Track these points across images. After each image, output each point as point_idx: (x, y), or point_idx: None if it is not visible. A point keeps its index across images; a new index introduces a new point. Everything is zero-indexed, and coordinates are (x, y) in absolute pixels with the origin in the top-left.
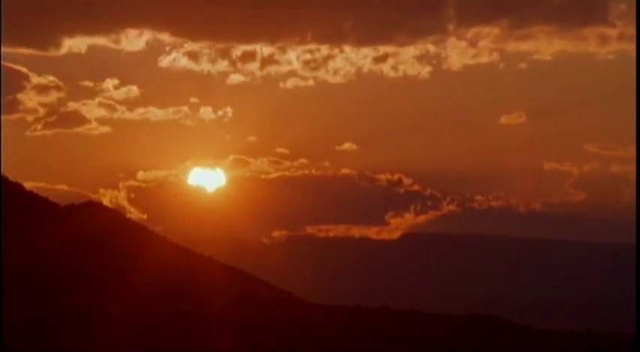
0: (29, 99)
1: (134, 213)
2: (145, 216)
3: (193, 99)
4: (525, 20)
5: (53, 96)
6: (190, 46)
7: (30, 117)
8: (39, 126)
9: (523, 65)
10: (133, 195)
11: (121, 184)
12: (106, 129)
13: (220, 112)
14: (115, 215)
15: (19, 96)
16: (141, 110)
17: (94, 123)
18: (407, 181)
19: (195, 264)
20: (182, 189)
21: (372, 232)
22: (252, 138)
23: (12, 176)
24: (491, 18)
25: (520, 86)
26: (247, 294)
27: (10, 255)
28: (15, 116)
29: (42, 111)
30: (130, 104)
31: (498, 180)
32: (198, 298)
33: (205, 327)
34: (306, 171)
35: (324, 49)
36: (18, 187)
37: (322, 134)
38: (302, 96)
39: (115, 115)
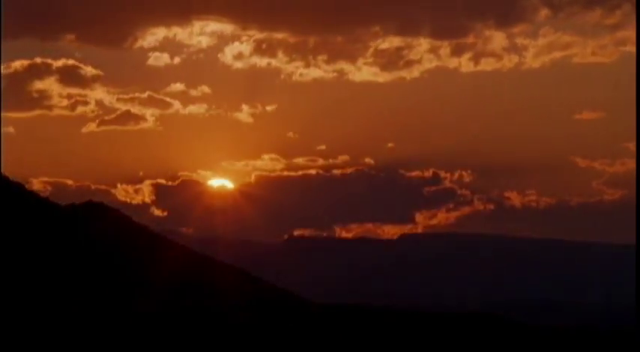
0: (86, 94)
1: (156, 213)
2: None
3: (247, 96)
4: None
5: (105, 92)
6: (241, 45)
7: (91, 114)
8: (96, 123)
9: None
10: (157, 193)
11: (147, 181)
12: (153, 126)
13: (267, 108)
14: (117, 216)
15: (73, 91)
16: (191, 107)
17: (149, 121)
18: (467, 178)
19: (199, 267)
20: (206, 189)
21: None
22: (293, 135)
23: (63, 173)
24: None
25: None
26: (251, 298)
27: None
28: (74, 112)
29: (96, 107)
30: (183, 100)
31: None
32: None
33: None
34: (349, 170)
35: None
36: (18, 187)
37: (374, 131)
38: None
39: (166, 112)
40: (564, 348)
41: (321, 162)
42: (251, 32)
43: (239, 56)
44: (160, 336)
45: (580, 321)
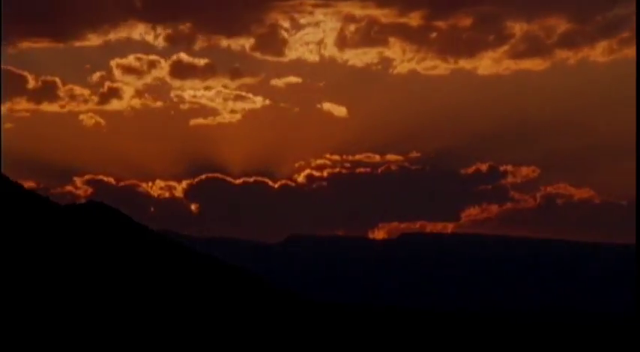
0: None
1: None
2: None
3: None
4: None
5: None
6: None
7: (184, 106)
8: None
9: None
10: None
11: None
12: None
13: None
14: (117, 216)
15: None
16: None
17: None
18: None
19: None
20: (271, 188)
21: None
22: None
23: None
24: None
25: None
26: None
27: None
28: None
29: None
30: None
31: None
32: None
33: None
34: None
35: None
36: (16, 187)
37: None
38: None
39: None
40: (564, 348)
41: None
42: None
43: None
44: (160, 336)
45: (580, 321)
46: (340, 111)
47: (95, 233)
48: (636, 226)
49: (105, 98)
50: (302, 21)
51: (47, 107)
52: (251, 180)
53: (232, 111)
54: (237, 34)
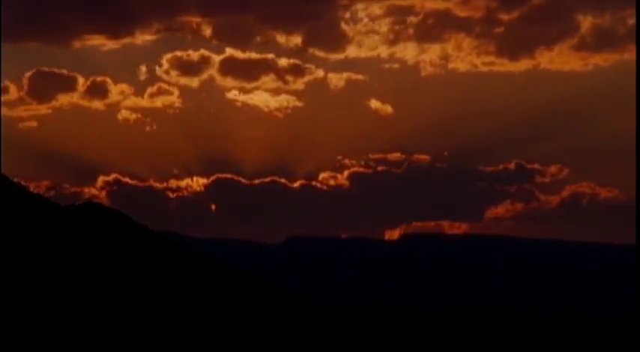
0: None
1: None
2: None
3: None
4: None
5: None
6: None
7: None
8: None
9: None
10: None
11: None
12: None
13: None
14: (117, 216)
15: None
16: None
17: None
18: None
19: (199, 267)
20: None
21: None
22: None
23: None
24: None
25: None
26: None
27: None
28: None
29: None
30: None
31: None
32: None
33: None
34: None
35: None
36: (19, 188)
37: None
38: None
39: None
40: (564, 348)
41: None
42: None
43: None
44: (160, 337)
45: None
46: (385, 109)
47: (95, 233)
48: (636, 226)
49: (151, 96)
50: (358, 15)
51: (92, 104)
52: (266, 179)
53: (277, 109)
54: (291, 32)
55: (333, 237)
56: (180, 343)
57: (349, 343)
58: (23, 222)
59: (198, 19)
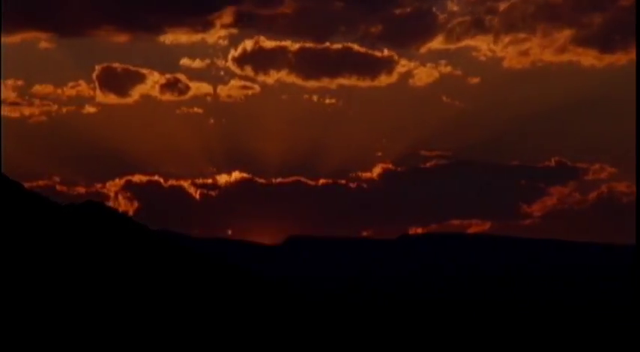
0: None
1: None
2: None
3: None
4: None
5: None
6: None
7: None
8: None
9: None
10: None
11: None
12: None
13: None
14: (117, 216)
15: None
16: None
17: None
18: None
19: (199, 267)
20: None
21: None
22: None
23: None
24: None
25: None
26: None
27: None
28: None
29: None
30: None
31: None
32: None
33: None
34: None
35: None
36: (17, 187)
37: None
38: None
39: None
40: (564, 348)
41: None
42: None
43: None
44: (160, 337)
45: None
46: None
47: (93, 233)
48: (636, 226)
49: (190, 94)
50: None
51: (121, 100)
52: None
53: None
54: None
55: (333, 237)
56: (181, 343)
57: (349, 343)
58: (23, 222)
59: (270, 12)
